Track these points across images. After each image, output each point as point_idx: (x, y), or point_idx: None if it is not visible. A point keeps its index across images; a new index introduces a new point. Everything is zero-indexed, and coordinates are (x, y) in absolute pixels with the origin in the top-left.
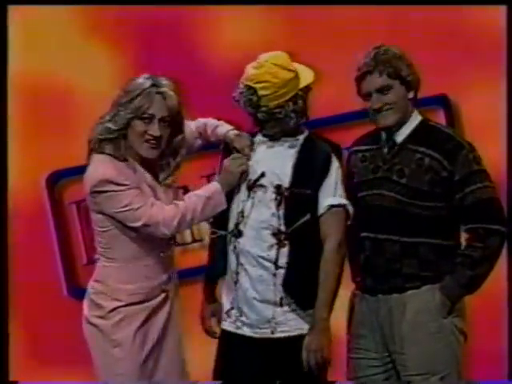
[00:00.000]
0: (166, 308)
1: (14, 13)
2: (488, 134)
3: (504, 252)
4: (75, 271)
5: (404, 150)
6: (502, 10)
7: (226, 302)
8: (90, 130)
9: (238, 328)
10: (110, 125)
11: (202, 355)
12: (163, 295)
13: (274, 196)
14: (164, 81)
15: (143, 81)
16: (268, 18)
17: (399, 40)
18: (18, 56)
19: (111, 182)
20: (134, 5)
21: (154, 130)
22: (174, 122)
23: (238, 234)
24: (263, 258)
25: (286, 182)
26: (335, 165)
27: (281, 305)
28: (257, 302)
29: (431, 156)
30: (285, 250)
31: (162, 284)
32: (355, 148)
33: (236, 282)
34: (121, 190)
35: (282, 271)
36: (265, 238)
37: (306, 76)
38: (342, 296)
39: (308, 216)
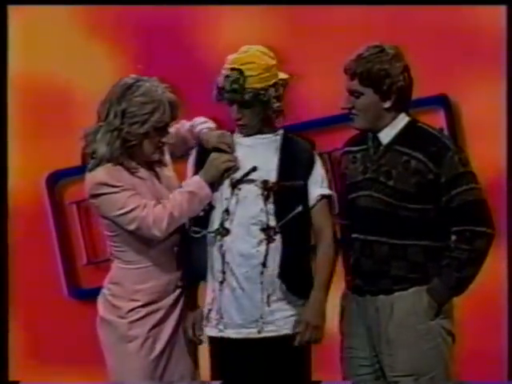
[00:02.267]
0: (179, 305)
1: (14, 13)
2: (488, 134)
3: (504, 252)
4: (75, 271)
5: (390, 152)
6: (502, 10)
7: (205, 306)
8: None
9: (220, 331)
10: (125, 135)
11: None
12: (178, 291)
13: (260, 191)
14: (163, 84)
15: (153, 89)
16: (268, 18)
17: (399, 40)
18: (18, 56)
19: (105, 184)
20: (133, 5)
21: (168, 138)
22: None
23: (225, 232)
24: (252, 255)
25: (272, 176)
26: (318, 157)
27: (268, 304)
28: (244, 301)
29: (417, 158)
30: (273, 246)
31: (177, 280)
32: (347, 149)
33: (222, 282)
34: (114, 192)
35: (269, 269)
36: (254, 233)
37: (282, 73)
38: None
39: (300, 207)
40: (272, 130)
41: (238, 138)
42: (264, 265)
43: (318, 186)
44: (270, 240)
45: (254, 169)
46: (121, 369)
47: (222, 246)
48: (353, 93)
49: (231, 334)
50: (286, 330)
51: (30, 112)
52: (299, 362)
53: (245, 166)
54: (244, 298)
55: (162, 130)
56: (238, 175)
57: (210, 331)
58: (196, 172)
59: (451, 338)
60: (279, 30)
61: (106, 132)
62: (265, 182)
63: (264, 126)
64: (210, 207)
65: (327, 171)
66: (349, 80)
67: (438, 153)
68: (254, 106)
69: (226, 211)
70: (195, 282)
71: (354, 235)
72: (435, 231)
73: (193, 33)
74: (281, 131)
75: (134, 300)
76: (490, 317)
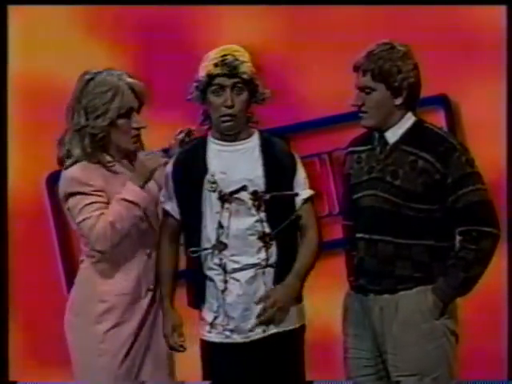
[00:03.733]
0: (154, 308)
1: (14, 13)
2: (488, 134)
3: (504, 252)
4: (75, 271)
5: (397, 151)
6: (502, 10)
7: (208, 314)
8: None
9: (227, 337)
10: (91, 130)
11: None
12: (150, 295)
13: (251, 202)
14: (121, 71)
15: (109, 77)
16: (268, 18)
17: (399, 40)
18: (18, 56)
19: (77, 181)
20: (134, 5)
21: (139, 122)
22: (139, 110)
23: (223, 246)
24: (253, 263)
25: (260, 185)
26: (297, 157)
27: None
28: (250, 305)
29: (424, 158)
30: (272, 250)
31: (149, 284)
32: (351, 149)
33: (224, 291)
34: (81, 193)
35: (271, 269)
36: (252, 243)
37: None
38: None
39: (294, 214)
40: (248, 132)
41: (217, 146)
42: (266, 267)
43: (301, 188)
44: (267, 246)
45: (244, 187)
46: (88, 367)
47: (221, 259)
48: (364, 89)
49: (238, 339)
50: (291, 325)
51: (30, 112)
52: (296, 357)
53: (230, 176)
54: (250, 302)
55: (128, 115)
56: (225, 189)
57: (216, 337)
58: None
59: (455, 338)
60: (279, 30)
61: (74, 132)
62: (255, 193)
63: (245, 123)
64: (199, 222)
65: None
66: (361, 76)
67: (445, 153)
68: (245, 91)
69: (220, 226)
70: (199, 306)
71: (358, 235)
72: (440, 231)
73: (193, 33)
74: (255, 133)
75: (102, 301)
76: (491, 317)
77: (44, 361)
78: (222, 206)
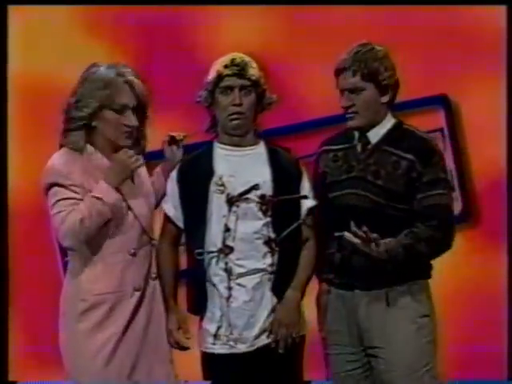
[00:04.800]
0: (146, 308)
1: (14, 13)
2: (488, 134)
3: (504, 252)
4: None
5: (379, 151)
6: (502, 9)
7: (210, 325)
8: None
9: (231, 348)
10: (73, 113)
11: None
12: (137, 295)
13: (259, 206)
14: (126, 69)
15: (106, 71)
16: (268, 18)
17: (399, 40)
18: (18, 56)
19: (58, 173)
20: (134, 5)
21: (131, 120)
22: (141, 110)
23: (229, 250)
24: (260, 268)
25: (268, 190)
26: (303, 169)
27: (273, 310)
28: (257, 312)
29: (407, 159)
30: (277, 256)
31: (135, 283)
32: (325, 147)
33: (229, 297)
34: (59, 185)
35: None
36: (258, 248)
37: None
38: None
39: (299, 220)
40: (255, 140)
41: (225, 150)
42: (272, 273)
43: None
44: (273, 252)
45: (255, 187)
46: (75, 376)
47: (227, 263)
48: (353, 90)
49: (243, 348)
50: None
51: (30, 112)
52: (297, 366)
53: (238, 178)
54: (256, 309)
55: (121, 111)
56: (233, 191)
57: (221, 348)
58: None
59: (429, 319)
60: (279, 30)
61: (67, 122)
62: (262, 197)
63: (252, 127)
64: (203, 225)
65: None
66: (349, 77)
67: (427, 154)
68: (253, 94)
69: (227, 229)
70: (201, 312)
71: (340, 233)
72: None
73: (193, 33)
74: (261, 142)
75: (83, 300)
76: (490, 317)
77: (44, 361)
78: (230, 210)
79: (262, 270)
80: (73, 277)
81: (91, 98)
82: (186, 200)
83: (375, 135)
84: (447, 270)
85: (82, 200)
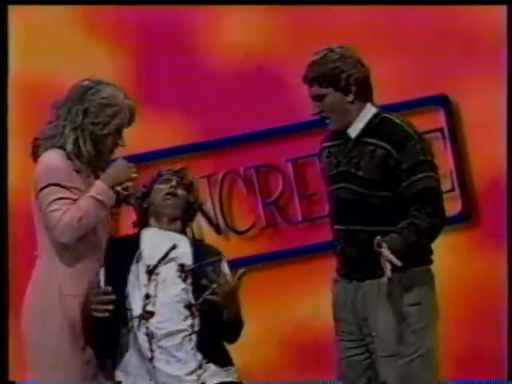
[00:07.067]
0: None
1: (14, 13)
2: (488, 134)
3: (504, 252)
4: None
5: (360, 144)
6: (502, 9)
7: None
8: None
9: None
10: (92, 137)
11: None
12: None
13: (178, 274)
14: (121, 90)
15: (114, 93)
16: (268, 18)
17: (399, 40)
18: (18, 56)
19: (57, 171)
20: (133, 5)
21: (123, 141)
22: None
23: (149, 315)
24: (180, 330)
25: (188, 260)
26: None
27: (200, 367)
28: (179, 373)
29: (382, 147)
30: (198, 320)
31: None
32: (323, 144)
33: (151, 359)
34: (56, 184)
35: (195, 336)
36: (179, 311)
37: None
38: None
39: (214, 286)
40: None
41: (148, 229)
42: (192, 332)
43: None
44: (193, 316)
45: (174, 247)
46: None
47: (147, 327)
48: (317, 98)
49: None
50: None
51: (30, 112)
52: None
53: (157, 252)
54: (180, 369)
55: (119, 133)
56: (153, 261)
57: None
58: None
59: (419, 307)
60: (280, 30)
61: (71, 130)
62: (181, 266)
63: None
64: (123, 293)
65: None
66: (309, 88)
67: (401, 141)
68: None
69: (147, 296)
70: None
71: (336, 226)
72: (407, 216)
73: (193, 33)
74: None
75: (48, 300)
76: (491, 317)
77: None
78: (149, 279)
79: (183, 330)
80: (48, 275)
81: (107, 122)
82: (110, 266)
83: (354, 130)
84: (447, 269)
85: (76, 201)
